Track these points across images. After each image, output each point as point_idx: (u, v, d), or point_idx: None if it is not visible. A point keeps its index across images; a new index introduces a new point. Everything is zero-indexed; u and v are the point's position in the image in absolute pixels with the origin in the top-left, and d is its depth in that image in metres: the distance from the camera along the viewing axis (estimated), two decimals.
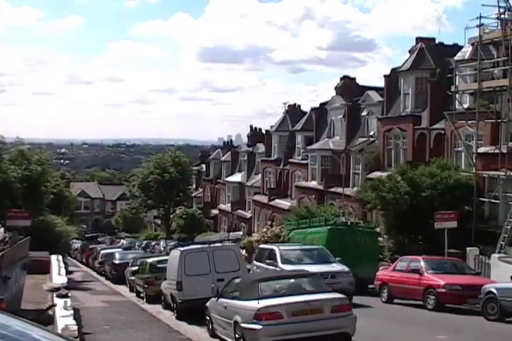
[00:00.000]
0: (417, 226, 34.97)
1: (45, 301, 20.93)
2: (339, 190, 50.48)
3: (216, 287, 18.95)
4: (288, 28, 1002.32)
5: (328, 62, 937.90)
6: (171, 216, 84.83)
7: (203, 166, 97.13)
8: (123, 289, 37.35)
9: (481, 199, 35.62)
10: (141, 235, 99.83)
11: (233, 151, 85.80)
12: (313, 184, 56.77)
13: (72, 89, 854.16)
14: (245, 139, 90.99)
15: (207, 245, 24.73)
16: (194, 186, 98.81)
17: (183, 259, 23.34)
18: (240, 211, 76.72)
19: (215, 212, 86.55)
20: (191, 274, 23.00)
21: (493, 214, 36.01)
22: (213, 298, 18.81)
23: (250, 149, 78.74)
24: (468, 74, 39.41)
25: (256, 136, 79.68)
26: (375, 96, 51.03)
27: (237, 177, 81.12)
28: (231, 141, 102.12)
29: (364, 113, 52.05)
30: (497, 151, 34.62)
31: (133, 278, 34.81)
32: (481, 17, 36.10)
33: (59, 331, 12.79)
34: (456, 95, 38.94)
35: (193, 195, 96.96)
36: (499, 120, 35.19)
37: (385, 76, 49.70)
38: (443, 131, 41.05)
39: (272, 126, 72.26)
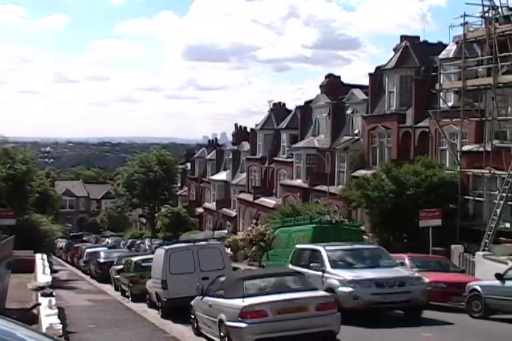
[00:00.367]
0: (401, 225, 35.04)
1: (29, 300, 20.85)
2: (324, 188, 50.52)
3: (201, 285, 18.93)
4: (273, 26, 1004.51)
5: (314, 61, 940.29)
6: (156, 214, 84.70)
7: (188, 165, 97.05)
8: (108, 288, 37.27)
9: (466, 197, 35.76)
10: (126, 234, 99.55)
11: (218, 150, 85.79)
12: (298, 182, 56.81)
13: (57, 87, 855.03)
14: (230, 137, 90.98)
15: (192, 243, 24.74)
16: (179, 185, 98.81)
17: (167, 258, 23.34)
18: (225, 209, 76.71)
19: (200, 210, 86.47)
20: (176, 273, 23.00)
21: (477, 212, 36.13)
22: (198, 297, 18.81)
23: (235, 147, 78.77)
24: (452, 72, 39.54)
25: (241, 134, 79.73)
26: (360, 95, 51.10)
27: (222, 176, 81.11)
28: (216, 139, 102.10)
29: (349, 111, 52.11)
30: (481, 149, 34.75)
31: (118, 276, 34.72)
32: (465, 15, 36.32)
33: (43, 330, 12.77)
34: (441, 93, 39.04)
35: (178, 193, 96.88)
36: (483, 118, 35.31)
37: (370, 74, 49.83)
38: (427, 130, 41.15)
39: (257, 125, 72.24)
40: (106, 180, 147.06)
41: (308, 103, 61.57)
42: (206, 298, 17.97)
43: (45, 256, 34.45)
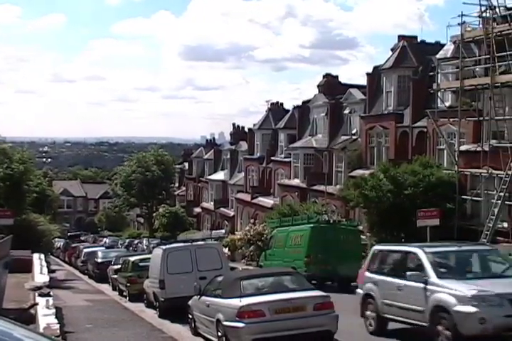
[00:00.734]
0: (399, 224, 35.00)
1: (27, 300, 20.82)
2: (322, 188, 50.55)
3: (198, 285, 18.94)
4: (271, 26, 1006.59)
5: (311, 61, 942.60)
6: (154, 214, 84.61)
7: (186, 164, 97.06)
8: (106, 288, 37.29)
9: (463, 197, 35.77)
10: (124, 233, 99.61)
11: (216, 149, 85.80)
12: (296, 182, 56.80)
13: (54, 87, 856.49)
14: (228, 137, 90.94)
15: (189, 243, 24.76)
16: (177, 184, 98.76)
17: (165, 258, 23.33)
18: (222, 209, 76.72)
19: (197, 210, 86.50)
20: (174, 272, 22.99)
21: (475, 211, 36.13)
22: (196, 296, 18.81)
23: (233, 147, 78.71)
24: (450, 72, 39.55)
25: (239, 134, 79.74)
26: (358, 94, 51.11)
27: (219, 176, 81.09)
28: (214, 139, 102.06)
29: (346, 111, 52.13)
30: (479, 149, 34.77)
31: (115, 276, 34.72)
32: (462, 15, 36.28)
33: (41, 330, 12.76)
34: (438, 93, 39.03)
35: (175, 193, 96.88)
36: (481, 118, 35.31)
37: (368, 74, 49.83)
38: (425, 129, 41.15)
39: (254, 124, 72.27)
40: (104, 179, 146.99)
41: (306, 103, 61.54)
42: (204, 298, 17.97)
43: (42, 256, 34.44)
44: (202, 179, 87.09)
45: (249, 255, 46.91)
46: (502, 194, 32.27)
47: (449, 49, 40.19)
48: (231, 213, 73.63)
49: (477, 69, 36.40)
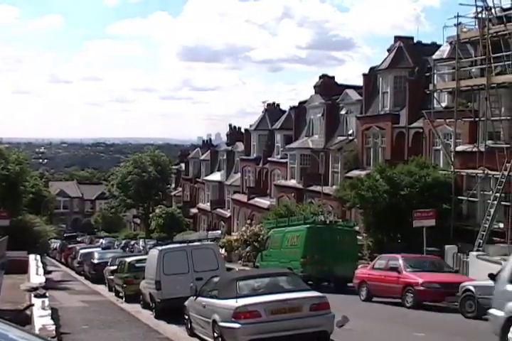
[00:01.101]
0: (395, 225, 35.07)
1: (22, 301, 20.78)
2: (318, 188, 50.53)
3: (195, 286, 18.91)
4: (267, 26, 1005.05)
5: (308, 61, 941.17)
6: (150, 215, 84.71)
7: (182, 165, 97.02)
8: (102, 289, 37.21)
9: (459, 197, 35.81)
10: (120, 234, 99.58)
11: (212, 150, 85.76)
12: (293, 183, 56.83)
13: (51, 88, 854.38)
14: (225, 138, 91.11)
15: (186, 244, 24.70)
16: (173, 185, 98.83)
17: (161, 258, 23.29)
18: (219, 210, 76.71)
19: (194, 211, 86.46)
20: (170, 273, 22.96)
21: (471, 212, 36.17)
22: (192, 297, 18.78)
23: (229, 148, 78.76)
24: (446, 72, 39.59)
25: (235, 134, 79.75)
26: (354, 95, 51.13)
27: (216, 176, 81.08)
28: (210, 139, 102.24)
29: (343, 112, 52.16)
30: (475, 150, 34.80)
31: (112, 277, 34.66)
32: (458, 16, 36.37)
33: (36, 331, 12.73)
34: (435, 94, 39.07)
35: (172, 194, 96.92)
36: (477, 118, 35.35)
37: (364, 75, 49.85)
38: (421, 130, 41.18)
39: (251, 125, 72.28)
40: (100, 180, 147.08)
41: (302, 103, 61.62)
42: (200, 299, 17.94)
43: (38, 257, 34.42)
44: (198, 180, 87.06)
45: (246, 256, 46.89)
46: (498, 194, 32.30)
47: (445, 50, 40.23)
48: (227, 214, 73.63)
49: (473, 70, 36.44)
